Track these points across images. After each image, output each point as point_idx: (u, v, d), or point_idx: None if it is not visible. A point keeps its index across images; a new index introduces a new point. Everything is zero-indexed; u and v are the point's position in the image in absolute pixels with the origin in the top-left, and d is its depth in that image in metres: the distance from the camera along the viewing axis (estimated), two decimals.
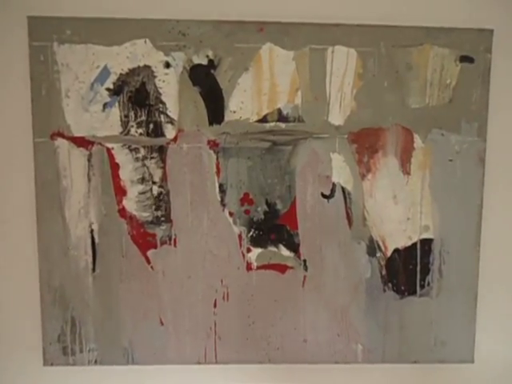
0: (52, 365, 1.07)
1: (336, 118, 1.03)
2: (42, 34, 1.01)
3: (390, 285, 1.07)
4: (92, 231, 1.04)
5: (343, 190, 1.05)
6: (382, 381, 1.08)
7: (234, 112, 1.03)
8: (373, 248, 1.06)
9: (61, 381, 1.08)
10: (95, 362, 1.06)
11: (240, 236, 1.05)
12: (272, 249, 1.05)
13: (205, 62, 1.02)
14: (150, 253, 1.05)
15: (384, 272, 1.06)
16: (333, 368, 1.07)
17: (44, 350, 1.06)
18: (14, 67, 1.01)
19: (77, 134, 1.03)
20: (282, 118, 1.03)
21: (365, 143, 1.04)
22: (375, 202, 1.05)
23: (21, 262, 1.05)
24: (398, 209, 1.06)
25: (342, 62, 1.02)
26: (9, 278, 1.06)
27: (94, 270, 1.05)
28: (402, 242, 1.06)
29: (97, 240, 1.05)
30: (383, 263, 1.06)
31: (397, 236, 1.06)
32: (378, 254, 1.06)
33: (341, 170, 1.05)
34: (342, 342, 1.07)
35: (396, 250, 1.06)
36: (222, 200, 1.04)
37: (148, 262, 1.05)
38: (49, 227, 1.04)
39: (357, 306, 1.07)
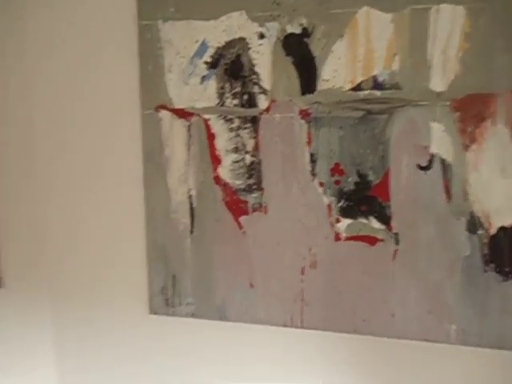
0: (156, 314, 1.19)
1: (438, 83, 0.96)
2: (149, 13, 1.09)
3: (492, 265, 0.98)
4: (190, 197, 1.13)
5: (442, 161, 0.98)
6: (479, 365, 1.01)
7: (327, 80, 1.01)
8: (474, 224, 0.98)
9: (163, 328, 1.19)
10: (192, 314, 1.16)
11: (329, 206, 1.05)
12: (362, 220, 1.03)
13: (298, 30, 1.01)
14: (242, 219, 1.10)
15: (486, 251, 0.98)
16: (421, 345, 1.02)
17: (150, 300, 1.18)
18: (124, 46, 1.11)
19: (178, 106, 1.10)
20: (377, 85, 0.99)
21: (470, 111, 0.95)
22: (479, 175, 0.97)
23: (130, 222, 1.18)
24: (506, 183, 0.95)
25: (448, 22, 0.93)
26: (119, 236, 1.20)
27: (191, 232, 1.14)
28: (510, 220, 0.96)
29: (194, 205, 1.13)
30: (485, 241, 0.97)
31: (504, 213, 0.96)
32: (480, 232, 0.98)
33: (441, 141, 0.97)
34: (433, 320, 1.02)
35: (502, 228, 0.97)
36: (313, 170, 1.05)
37: (240, 227, 1.11)
38: (154, 192, 1.15)
39: (452, 285, 1.00)
